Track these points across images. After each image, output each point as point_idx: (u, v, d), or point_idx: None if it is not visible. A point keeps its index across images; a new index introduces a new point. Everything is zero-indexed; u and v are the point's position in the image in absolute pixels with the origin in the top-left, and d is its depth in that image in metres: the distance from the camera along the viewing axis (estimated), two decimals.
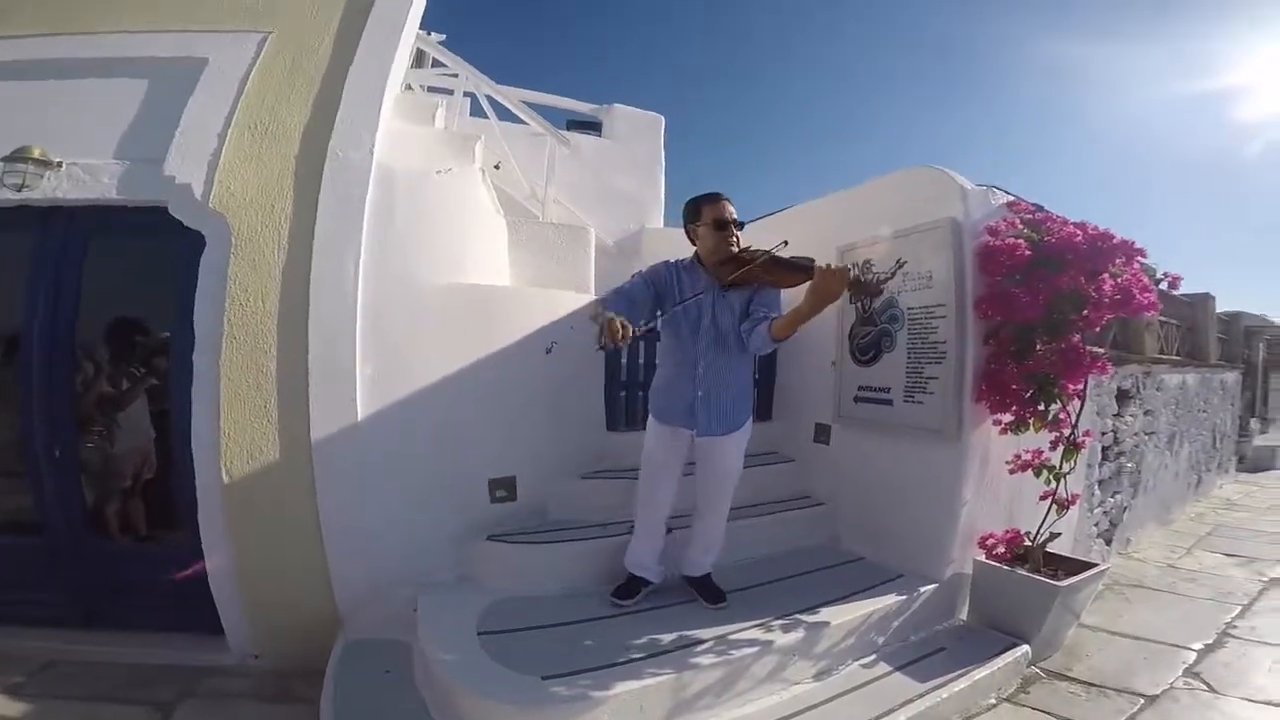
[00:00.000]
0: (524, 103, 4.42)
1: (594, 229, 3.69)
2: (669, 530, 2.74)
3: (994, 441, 2.96)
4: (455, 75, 4.20)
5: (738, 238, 2.42)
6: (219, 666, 2.56)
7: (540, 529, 2.93)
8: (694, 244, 2.53)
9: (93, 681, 2.36)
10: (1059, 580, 2.67)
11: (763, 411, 3.96)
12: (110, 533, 2.89)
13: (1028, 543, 2.85)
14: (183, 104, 2.61)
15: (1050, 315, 2.82)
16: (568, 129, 4.91)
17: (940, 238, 2.98)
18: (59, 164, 2.50)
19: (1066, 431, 2.87)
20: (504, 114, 4.54)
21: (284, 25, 2.81)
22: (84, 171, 2.54)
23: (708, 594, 2.60)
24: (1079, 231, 2.85)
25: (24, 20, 2.68)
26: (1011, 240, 2.88)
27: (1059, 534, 2.86)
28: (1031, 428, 2.88)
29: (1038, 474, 2.87)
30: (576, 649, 2.21)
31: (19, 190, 2.41)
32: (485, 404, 2.93)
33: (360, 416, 2.66)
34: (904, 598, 2.69)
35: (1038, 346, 2.87)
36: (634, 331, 2.00)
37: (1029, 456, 2.87)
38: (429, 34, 4.48)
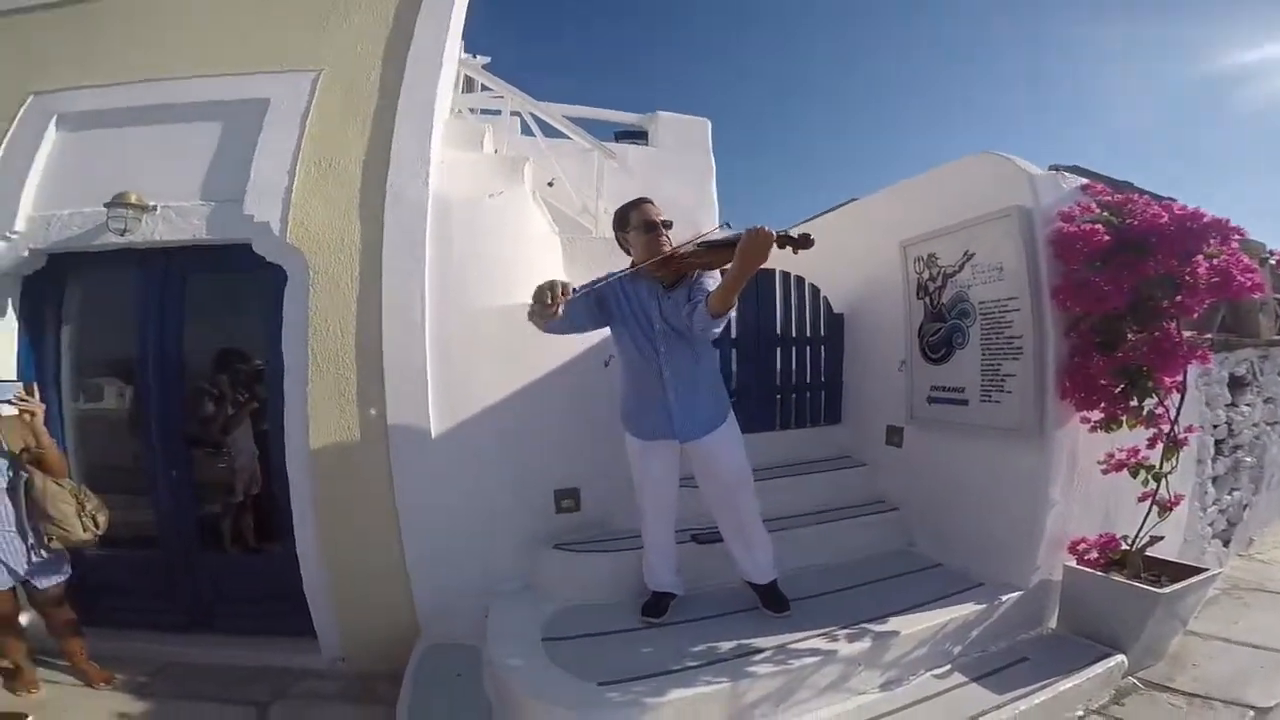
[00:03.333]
0: (571, 118, 4.49)
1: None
2: (703, 541, 2.76)
3: (1083, 440, 2.76)
4: (500, 97, 4.31)
5: (668, 238, 2.36)
6: (310, 669, 2.74)
7: (604, 538, 2.97)
8: (628, 253, 2.47)
9: (200, 683, 2.59)
10: (1161, 586, 2.46)
11: (831, 415, 3.87)
12: (222, 545, 3.15)
13: (1125, 547, 2.65)
14: (253, 144, 2.82)
15: (1137, 303, 2.62)
16: (616, 141, 4.95)
17: (1008, 226, 2.81)
18: (154, 207, 2.75)
19: (1166, 428, 2.65)
20: (553, 131, 4.65)
21: (332, 62, 2.97)
22: (176, 214, 2.78)
23: (771, 602, 2.55)
24: (1164, 212, 2.62)
25: (109, 69, 2.94)
26: (1088, 225, 2.69)
27: (1161, 537, 2.64)
28: (1125, 425, 2.68)
29: (1134, 474, 2.66)
30: (635, 655, 2.24)
31: (122, 234, 2.67)
32: (547, 419, 2.99)
33: (434, 435, 2.80)
34: (983, 606, 2.55)
35: (1128, 336, 2.67)
36: (573, 291, 2.01)
37: (1124, 455, 2.66)
38: (474, 57, 4.64)
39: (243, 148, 2.82)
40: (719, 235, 2.26)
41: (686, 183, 4.97)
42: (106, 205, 2.63)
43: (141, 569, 2.96)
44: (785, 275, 3.69)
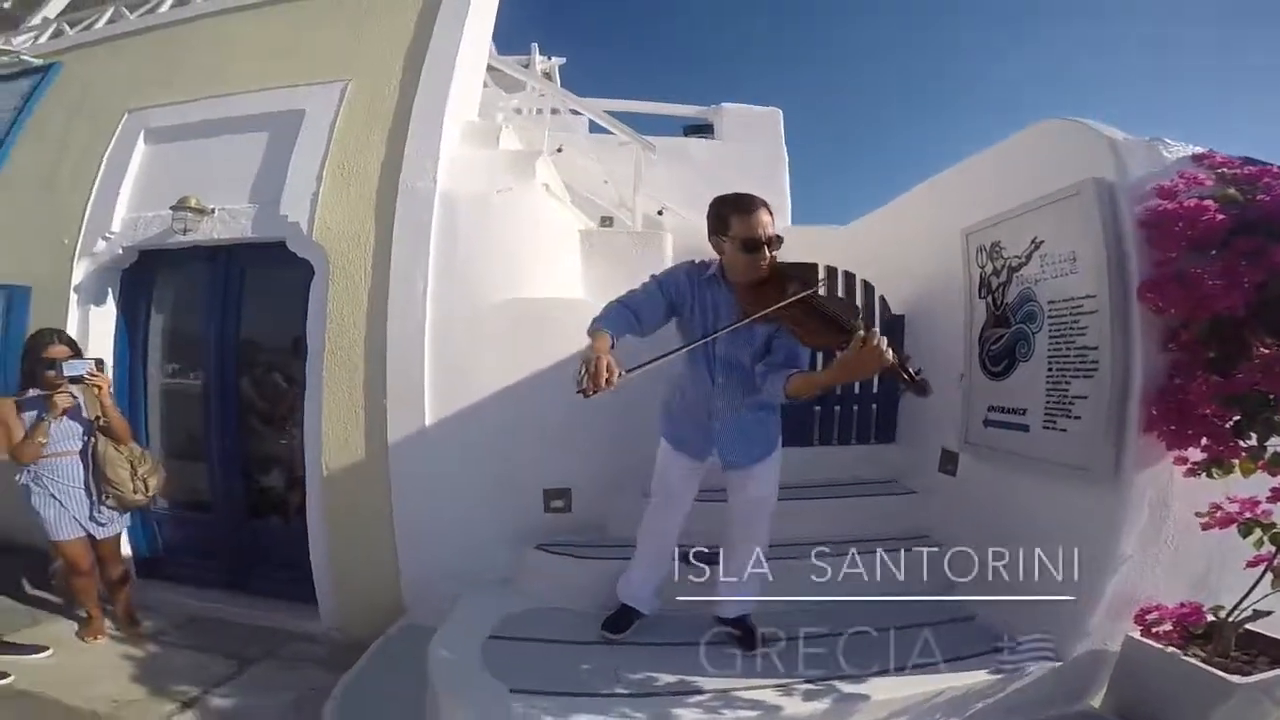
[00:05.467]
0: (633, 114, 4.43)
1: (672, 234, 3.50)
2: (692, 561, 2.42)
3: (1176, 485, 2.14)
4: (545, 95, 4.35)
5: (771, 259, 1.98)
6: (306, 634, 2.96)
7: (592, 544, 2.85)
8: (719, 253, 2.10)
9: (212, 636, 2.89)
10: (1252, 671, 1.88)
11: (884, 433, 3.39)
12: (268, 513, 3.49)
13: (1211, 618, 2.04)
14: (290, 151, 3.10)
15: (1267, 304, 1.94)
16: (685, 135, 4.80)
17: (1082, 205, 2.24)
18: (212, 210, 3.14)
19: None
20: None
21: (360, 72, 3.18)
22: (229, 215, 3.15)
23: (741, 637, 2.29)
24: None
25: (182, 87, 3.40)
26: (1194, 202, 2.05)
27: (1269, 612, 1.99)
28: (1238, 469, 2.01)
29: (1244, 533, 1.99)
30: (568, 669, 2.14)
31: (184, 233, 3.08)
32: (542, 414, 2.92)
33: (428, 423, 2.88)
34: (1000, 676, 2.09)
35: (1255, 352, 1.99)
36: (620, 375, 1.69)
37: (1236, 508, 2.01)
38: (549, 59, 4.75)
39: (283, 154, 3.12)
40: (836, 297, 1.93)
41: (754, 176, 4.63)
42: (172, 208, 3.05)
43: (195, 529, 3.42)
44: (832, 270, 3.28)
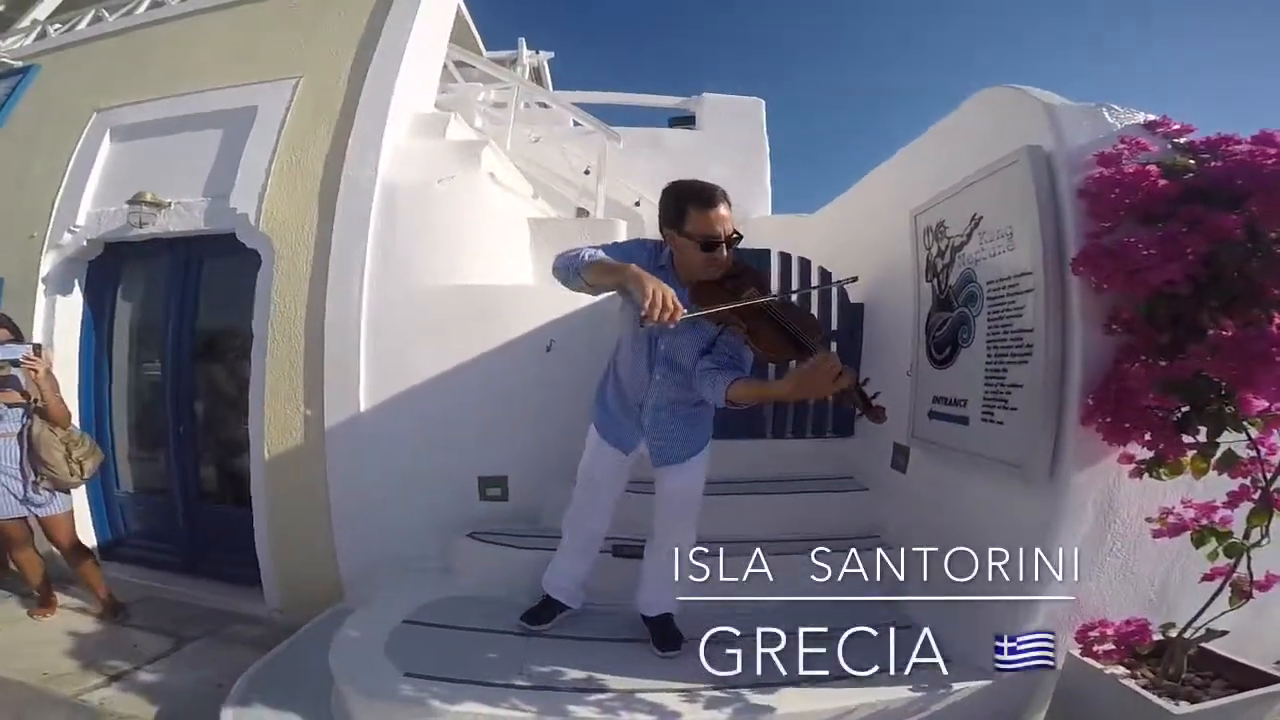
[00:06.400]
0: (616, 105, 4.41)
1: (627, 223, 3.43)
2: (622, 555, 2.41)
3: (1125, 487, 1.92)
4: (508, 88, 4.35)
5: (730, 255, 1.85)
6: (249, 616, 2.99)
7: (525, 533, 2.79)
8: (671, 245, 1.93)
9: (159, 616, 2.95)
10: (1203, 697, 1.70)
11: (842, 426, 3.21)
12: (240, 499, 3.53)
13: (1160, 637, 1.83)
14: (242, 146, 3.18)
15: (1218, 279, 1.72)
16: (670, 126, 4.75)
17: (1017, 176, 2.06)
18: (169, 204, 3.23)
19: (1266, 476, 1.70)
20: (622, 120, 4.58)
21: (311, 69, 3.26)
22: (184, 209, 3.23)
23: (661, 637, 2.18)
24: (1269, 148, 1.71)
25: (147, 86, 3.52)
26: (1135, 167, 1.86)
27: (1224, 632, 1.76)
28: (1189, 468, 1.78)
29: (1198, 543, 1.76)
30: (475, 657, 2.12)
31: (140, 226, 3.18)
32: (479, 401, 2.91)
33: (362, 408, 2.89)
34: (920, 694, 1.92)
35: (1208, 332, 1.77)
36: (684, 313, 1.60)
37: (1192, 514, 1.78)
38: (537, 52, 4.78)
39: (234, 150, 3.21)
40: (798, 310, 1.90)
41: (734, 167, 4.57)
42: (128, 202, 3.15)
43: (154, 512, 3.51)
44: (786, 257, 3.15)
